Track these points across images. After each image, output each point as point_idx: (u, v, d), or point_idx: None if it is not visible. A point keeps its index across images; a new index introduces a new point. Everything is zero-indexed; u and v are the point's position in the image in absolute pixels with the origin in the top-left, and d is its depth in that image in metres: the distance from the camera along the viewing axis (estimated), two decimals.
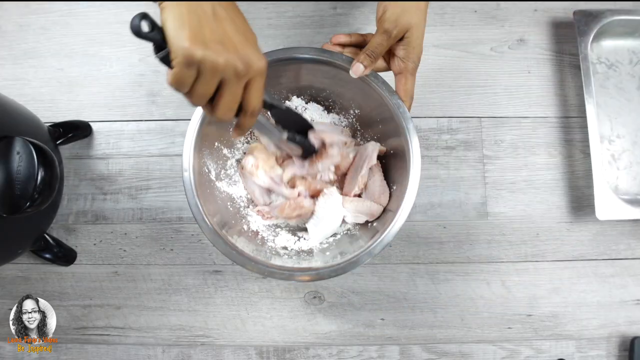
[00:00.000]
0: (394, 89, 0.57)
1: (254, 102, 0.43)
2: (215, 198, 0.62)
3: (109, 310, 0.74)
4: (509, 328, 0.73)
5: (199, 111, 0.57)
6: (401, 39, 0.54)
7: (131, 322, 0.73)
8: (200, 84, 0.39)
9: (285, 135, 0.55)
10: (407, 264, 0.74)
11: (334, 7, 0.81)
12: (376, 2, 0.80)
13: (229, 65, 0.38)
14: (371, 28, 0.79)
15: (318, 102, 0.69)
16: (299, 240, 0.64)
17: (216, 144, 0.64)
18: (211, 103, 0.41)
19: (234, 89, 0.40)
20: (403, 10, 0.52)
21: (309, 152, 0.60)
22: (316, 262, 0.59)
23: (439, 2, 0.79)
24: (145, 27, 0.37)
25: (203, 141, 0.59)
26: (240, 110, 0.43)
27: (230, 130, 0.61)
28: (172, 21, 0.37)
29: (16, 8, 0.81)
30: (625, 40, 0.78)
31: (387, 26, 0.53)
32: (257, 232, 0.64)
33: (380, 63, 0.58)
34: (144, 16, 0.38)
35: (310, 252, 0.62)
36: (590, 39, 0.73)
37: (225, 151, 0.66)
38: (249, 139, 0.69)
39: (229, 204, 0.65)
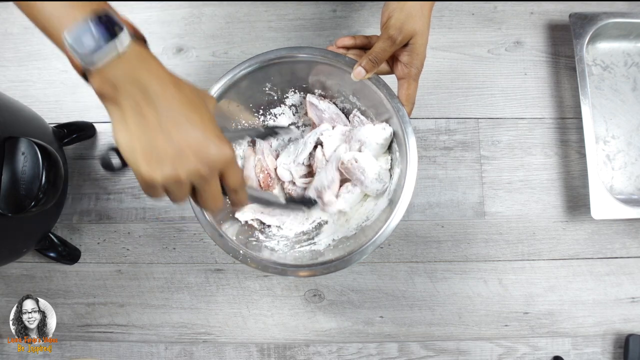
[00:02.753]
0: (396, 93, 0.58)
1: (235, 183, 0.42)
2: None
3: (113, 308, 0.75)
4: (506, 326, 0.74)
5: None
6: (405, 45, 0.55)
7: (134, 319, 0.74)
8: (172, 195, 0.39)
9: (283, 200, 0.57)
10: (406, 262, 0.75)
11: (334, 10, 0.82)
12: (375, 4, 0.82)
13: (193, 174, 0.38)
14: (370, 30, 0.81)
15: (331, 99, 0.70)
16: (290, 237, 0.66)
17: None
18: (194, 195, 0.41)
19: (208, 188, 0.40)
20: (408, 16, 0.52)
21: (310, 204, 0.61)
22: (307, 260, 0.60)
23: (437, 5, 0.80)
24: (116, 161, 0.37)
25: None
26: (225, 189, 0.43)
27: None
28: (123, 141, 0.37)
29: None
30: (620, 43, 0.79)
31: (391, 32, 0.53)
32: (252, 227, 0.66)
33: (384, 66, 0.58)
34: (113, 149, 0.38)
35: (303, 251, 0.64)
36: (586, 41, 0.74)
37: None
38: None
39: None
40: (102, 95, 0.37)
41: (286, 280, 0.74)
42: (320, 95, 0.68)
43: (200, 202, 0.41)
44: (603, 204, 0.69)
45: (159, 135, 0.36)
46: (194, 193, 0.40)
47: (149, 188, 0.38)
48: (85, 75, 0.37)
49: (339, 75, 0.61)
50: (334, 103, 0.69)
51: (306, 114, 0.70)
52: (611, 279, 0.75)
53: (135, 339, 0.74)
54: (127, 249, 0.76)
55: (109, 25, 0.35)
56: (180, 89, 0.38)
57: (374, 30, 0.81)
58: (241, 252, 0.56)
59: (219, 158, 0.38)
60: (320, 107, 0.67)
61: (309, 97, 0.67)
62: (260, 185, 0.68)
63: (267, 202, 0.55)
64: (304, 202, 0.61)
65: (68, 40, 0.34)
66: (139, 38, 0.38)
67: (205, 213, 0.56)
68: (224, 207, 0.43)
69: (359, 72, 0.56)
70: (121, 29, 0.35)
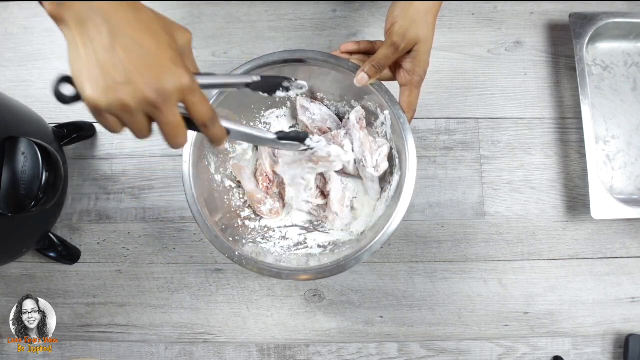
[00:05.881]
0: (397, 100, 0.58)
1: (201, 115, 0.39)
2: (212, 191, 0.63)
3: (113, 308, 0.75)
4: (506, 326, 0.74)
5: None
6: (409, 52, 0.55)
7: (134, 319, 0.74)
8: (128, 125, 0.37)
9: (274, 135, 0.50)
10: (406, 262, 0.75)
11: (334, 10, 0.82)
12: (374, 5, 0.82)
13: (142, 102, 0.35)
14: (370, 30, 0.81)
15: (321, 102, 0.70)
16: (287, 239, 0.66)
17: None
18: None
19: (163, 119, 0.37)
20: (412, 23, 0.52)
21: (304, 139, 0.54)
22: (303, 263, 0.60)
23: None
24: (68, 91, 0.35)
25: None
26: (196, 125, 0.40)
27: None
28: (73, 64, 0.35)
29: (21, 11, 0.82)
30: (620, 43, 0.79)
31: (395, 39, 0.53)
32: (249, 228, 0.66)
33: (386, 73, 0.58)
34: (65, 79, 0.35)
35: (299, 254, 0.64)
36: (586, 41, 0.74)
37: (227, 145, 0.67)
38: None
39: (225, 197, 0.66)
40: (53, 17, 0.35)
41: (286, 280, 0.75)
42: (312, 98, 0.68)
43: (163, 136, 0.39)
44: (603, 204, 0.69)
45: (107, 58, 0.34)
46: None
47: (97, 115, 0.36)
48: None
49: (341, 80, 0.61)
50: (327, 106, 0.69)
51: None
52: (611, 279, 0.75)
53: (135, 339, 0.74)
54: (127, 249, 0.76)
55: None
56: (136, 12, 0.36)
57: (373, 30, 0.81)
58: (237, 252, 0.56)
59: (171, 84, 0.36)
60: (311, 109, 0.67)
61: (300, 99, 0.67)
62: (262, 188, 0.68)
63: (255, 138, 0.50)
64: (298, 138, 0.53)
65: None
66: None
67: (203, 215, 0.56)
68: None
69: (362, 78, 0.56)
70: None
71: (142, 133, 0.38)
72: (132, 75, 0.35)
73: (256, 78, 0.49)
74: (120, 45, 0.34)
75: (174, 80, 0.36)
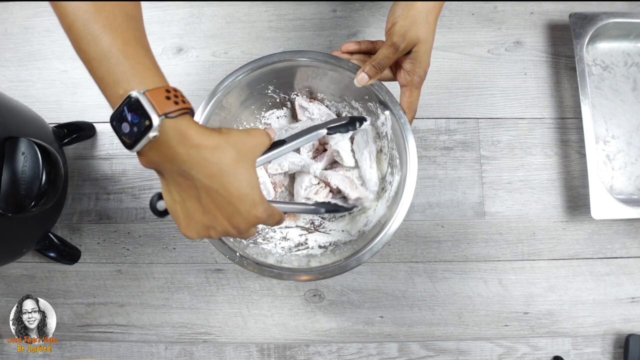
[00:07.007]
0: (398, 100, 0.58)
1: (273, 225, 0.47)
2: None
3: (113, 308, 0.75)
4: (506, 325, 0.74)
5: (202, 105, 0.59)
6: (409, 53, 0.55)
7: (134, 319, 0.74)
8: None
9: (323, 209, 0.60)
10: (406, 262, 0.75)
11: (334, 10, 0.82)
12: (374, 5, 0.82)
13: (224, 234, 0.43)
14: (370, 30, 0.81)
15: (321, 102, 0.70)
16: (288, 239, 0.66)
17: None
18: None
19: (241, 237, 0.46)
20: (412, 24, 0.52)
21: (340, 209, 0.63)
22: (304, 264, 0.60)
23: None
24: (162, 207, 0.43)
25: None
26: None
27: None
28: (168, 203, 0.42)
29: (21, 10, 0.82)
30: (620, 43, 0.79)
31: (395, 39, 0.53)
32: None
33: (387, 73, 0.58)
34: (160, 196, 0.43)
35: (300, 255, 0.64)
36: (586, 41, 0.74)
37: None
38: None
39: None
40: (148, 167, 0.41)
41: (285, 281, 0.74)
42: (311, 98, 0.68)
43: None
44: (603, 204, 0.69)
45: (196, 205, 0.41)
46: None
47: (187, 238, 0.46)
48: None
49: (341, 80, 0.61)
50: (327, 106, 0.69)
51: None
52: (611, 279, 0.75)
53: (135, 339, 0.74)
54: (127, 249, 0.76)
55: (141, 113, 0.37)
56: (220, 154, 0.40)
57: (373, 30, 0.81)
58: (238, 254, 0.56)
59: (248, 224, 0.43)
60: (310, 109, 0.67)
61: (298, 99, 0.67)
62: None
63: (301, 211, 0.60)
64: (337, 209, 0.63)
65: (113, 124, 0.39)
66: (180, 109, 0.38)
67: None
68: None
69: (362, 78, 0.56)
70: (150, 119, 0.37)
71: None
72: (218, 219, 0.42)
73: (323, 132, 0.58)
74: (206, 193, 0.40)
75: (252, 219, 0.42)
